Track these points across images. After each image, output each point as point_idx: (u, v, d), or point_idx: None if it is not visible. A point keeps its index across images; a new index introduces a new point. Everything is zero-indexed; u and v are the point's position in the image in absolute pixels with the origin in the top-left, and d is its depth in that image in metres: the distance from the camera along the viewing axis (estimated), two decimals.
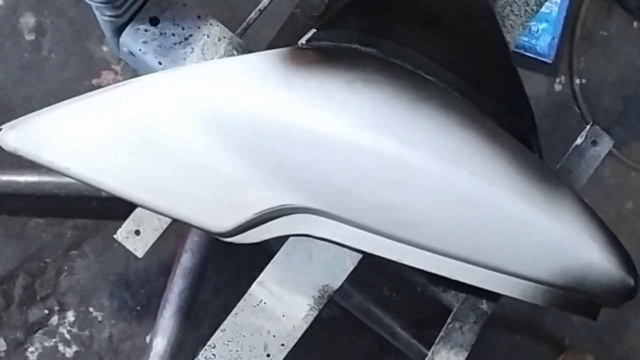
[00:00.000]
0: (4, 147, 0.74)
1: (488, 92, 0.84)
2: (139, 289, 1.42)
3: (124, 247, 1.40)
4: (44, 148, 0.74)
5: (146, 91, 0.77)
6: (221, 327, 0.83)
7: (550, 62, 1.68)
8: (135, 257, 1.38)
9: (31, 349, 1.37)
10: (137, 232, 0.89)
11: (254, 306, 0.83)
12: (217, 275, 1.44)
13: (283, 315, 0.83)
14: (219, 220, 0.77)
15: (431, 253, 0.78)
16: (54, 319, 1.38)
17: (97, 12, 0.83)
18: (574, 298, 0.82)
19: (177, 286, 1.28)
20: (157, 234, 0.89)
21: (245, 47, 0.88)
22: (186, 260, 1.28)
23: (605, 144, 0.99)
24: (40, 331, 1.38)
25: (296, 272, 0.84)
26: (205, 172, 0.75)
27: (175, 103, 0.76)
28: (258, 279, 0.84)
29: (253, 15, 1.02)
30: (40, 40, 1.45)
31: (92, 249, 1.41)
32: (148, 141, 0.75)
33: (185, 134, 0.75)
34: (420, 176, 0.75)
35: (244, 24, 1.01)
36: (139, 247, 0.89)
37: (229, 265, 1.44)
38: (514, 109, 0.85)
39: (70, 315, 1.39)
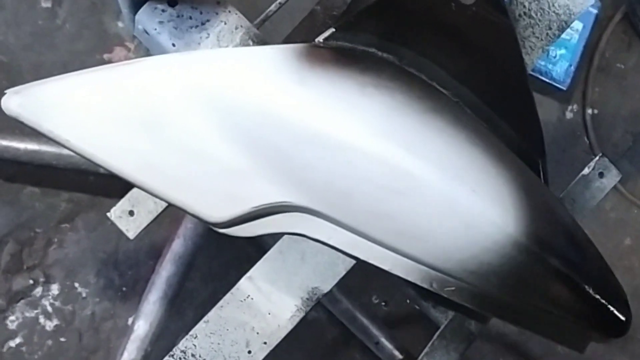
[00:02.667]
0: (6, 111, 0.73)
1: (500, 111, 0.83)
2: (126, 270, 1.41)
3: (116, 226, 1.40)
4: (46, 117, 0.73)
5: (157, 72, 0.76)
6: (205, 318, 0.82)
7: (564, 89, 1.67)
8: (127, 237, 1.37)
9: (11, 317, 1.36)
10: (131, 213, 0.87)
11: (241, 301, 0.82)
12: (207, 264, 1.43)
13: (269, 313, 0.82)
14: (215, 210, 0.75)
15: (425, 267, 0.77)
16: (38, 290, 1.37)
17: None
18: (563, 324, 0.81)
19: (165, 271, 1.27)
20: (152, 216, 0.87)
21: (262, 38, 0.87)
22: (177, 246, 1.27)
23: (612, 177, 0.99)
24: (22, 301, 1.37)
25: (287, 272, 0.83)
26: (207, 159, 0.74)
27: (184, 87, 0.75)
28: (248, 274, 0.83)
29: (273, 7, 1.01)
30: (56, 9, 1.44)
31: (84, 224, 1.40)
32: (152, 122, 0.74)
33: (190, 119, 0.74)
34: (423, 189, 0.74)
35: (263, 15, 1.00)
36: (131, 228, 0.87)
37: (220, 256, 1.43)
38: (525, 132, 0.84)
39: (55, 289, 1.38)
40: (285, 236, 0.82)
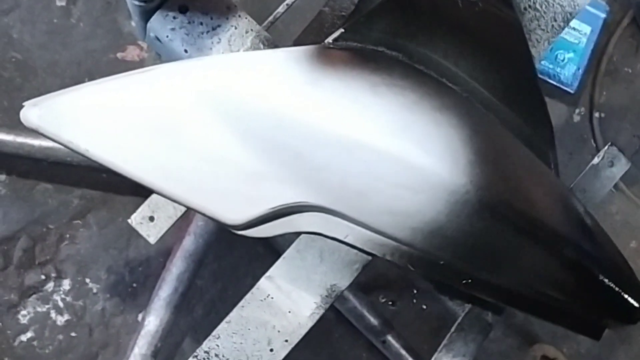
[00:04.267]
0: (25, 124, 0.74)
1: (510, 104, 0.84)
2: (137, 266, 1.42)
3: (127, 223, 1.41)
4: (65, 128, 0.74)
5: (171, 79, 0.77)
6: (226, 318, 0.83)
7: (572, 92, 1.68)
8: (138, 233, 1.38)
9: (23, 312, 1.37)
10: (152, 219, 0.89)
11: (261, 300, 0.83)
12: (216, 262, 1.44)
13: (289, 312, 0.83)
14: (233, 212, 0.77)
15: (442, 262, 0.78)
16: (50, 286, 1.39)
17: None
18: (577, 313, 0.83)
19: (176, 268, 1.28)
20: (171, 221, 0.89)
21: (272, 41, 0.88)
22: (188, 243, 1.29)
23: (622, 166, 1.00)
24: (34, 296, 1.38)
25: (306, 270, 0.84)
26: (224, 163, 0.75)
27: (199, 93, 0.76)
28: (267, 274, 0.84)
29: (280, 9, 1.01)
30: (70, 8, 1.45)
31: (96, 221, 1.42)
32: (169, 129, 0.75)
33: (206, 124, 0.75)
34: (437, 185, 0.76)
35: (271, 17, 1.01)
36: (152, 233, 0.89)
37: (230, 253, 1.44)
38: (534, 123, 0.86)
39: (66, 284, 1.39)
40: (302, 235, 0.84)
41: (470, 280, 0.79)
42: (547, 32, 0.94)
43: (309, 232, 0.79)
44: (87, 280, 1.40)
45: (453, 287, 0.80)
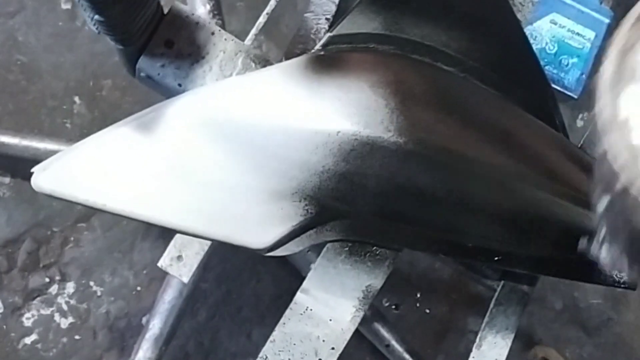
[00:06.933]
0: (38, 190, 0.74)
1: (507, 75, 0.84)
2: (141, 270, 1.42)
3: (131, 226, 1.41)
4: (78, 188, 0.74)
5: (171, 118, 0.77)
6: (270, 338, 0.83)
7: (576, 97, 1.68)
8: (142, 237, 1.38)
9: (27, 315, 1.37)
10: (180, 258, 0.89)
11: (301, 314, 0.83)
12: (221, 265, 1.44)
13: (330, 320, 0.83)
14: (259, 237, 0.77)
15: (471, 245, 0.79)
16: (54, 288, 1.39)
17: (113, 42, 0.82)
18: None
19: None
20: (199, 257, 0.89)
21: (262, 57, 0.87)
22: None
23: None
24: (38, 298, 1.38)
25: (339, 276, 0.84)
26: (241, 190, 0.75)
27: (202, 127, 0.76)
28: (302, 287, 0.84)
29: (262, 19, 1.00)
30: (75, 11, 1.46)
31: (101, 224, 1.42)
32: (180, 168, 0.75)
33: (215, 155, 0.75)
34: (457, 173, 0.76)
35: (254, 28, 1.00)
36: (183, 272, 0.89)
37: (234, 257, 1.44)
38: (534, 88, 0.86)
39: (70, 287, 1.39)
40: (329, 244, 0.84)
41: (501, 258, 0.79)
42: None
43: (336, 240, 0.79)
44: (92, 283, 1.40)
45: (484, 265, 0.81)
